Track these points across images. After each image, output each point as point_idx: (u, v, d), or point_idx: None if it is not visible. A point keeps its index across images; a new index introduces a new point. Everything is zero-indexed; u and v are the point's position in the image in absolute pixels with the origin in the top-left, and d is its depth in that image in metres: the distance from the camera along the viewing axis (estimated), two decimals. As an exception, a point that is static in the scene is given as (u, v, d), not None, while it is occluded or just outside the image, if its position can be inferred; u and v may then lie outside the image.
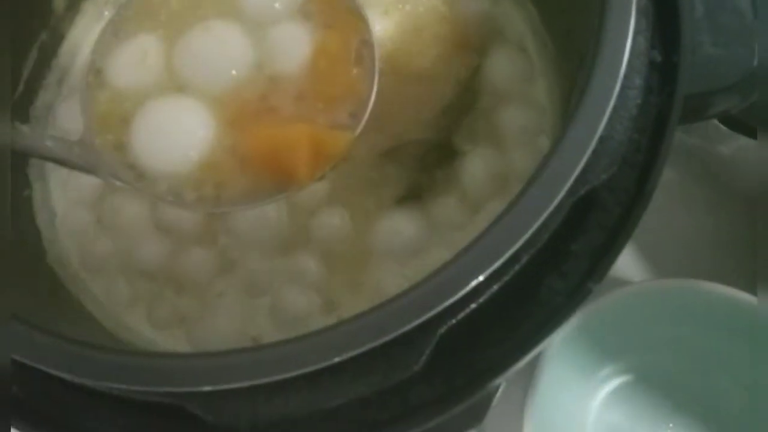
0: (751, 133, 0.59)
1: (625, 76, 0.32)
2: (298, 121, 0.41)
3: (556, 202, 0.29)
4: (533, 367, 0.51)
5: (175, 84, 0.42)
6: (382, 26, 0.48)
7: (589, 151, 0.30)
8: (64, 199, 0.48)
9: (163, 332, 0.44)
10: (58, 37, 0.51)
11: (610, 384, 0.55)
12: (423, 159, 0.46)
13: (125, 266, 0.45)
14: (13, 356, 0.30)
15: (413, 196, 0.46)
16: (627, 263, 0.61)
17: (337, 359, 0.28)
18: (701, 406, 0.54)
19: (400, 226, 0.45)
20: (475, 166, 0.45)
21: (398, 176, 0.46)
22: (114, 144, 0.41)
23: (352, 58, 0.42)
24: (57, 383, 0.31)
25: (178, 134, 0.41)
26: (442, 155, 0.46)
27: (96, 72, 0.43)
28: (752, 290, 0.52)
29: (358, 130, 0.41)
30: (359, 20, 0.43)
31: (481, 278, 0.28)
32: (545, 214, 0.29)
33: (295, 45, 0.42)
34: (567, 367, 0.52)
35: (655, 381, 0.55)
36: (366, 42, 0.42)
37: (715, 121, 0.60)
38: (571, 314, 0.32)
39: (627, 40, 0.32)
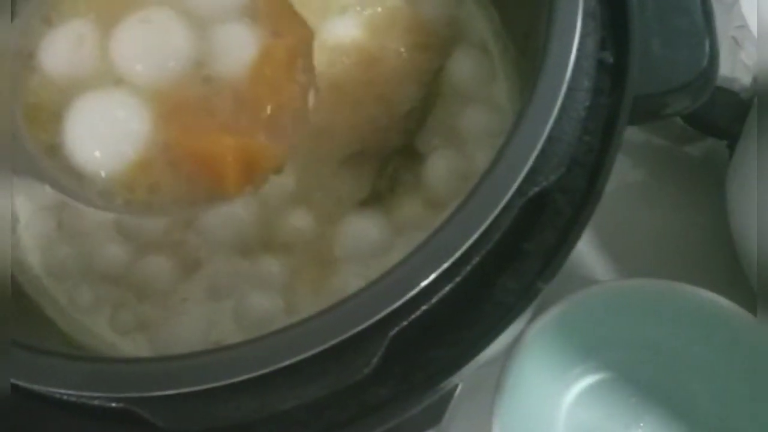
0: (718, 134, 0.60)
1: (573, 79, 0.33)
2: (234, 128, 0.40)
3: (502, 204, 0.30)
4: (501, 367, 0.51)
5: (111, 75, 0.41)
6: (343, 29, 0.48)
7: (534, 154, 0.30)
8: (29, 204, 0.48)
9: (125, 337, 0.43)
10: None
11: (580, 383, 0.55)
12: (386, 161, 0.46)
13: (88, 272, 0.45)
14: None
15: (377, 198, 0.46)
16: (596, 264, 0.61)
17: (281, 364, 0.28)
18: (672, 405, 0.54)
19: (364, 228, 0.45)
20: (438, 167, 0.46)
21: (362, 179, 0.46)
22: (47, 145, 0.40)
23: (297, 68, 0.41)
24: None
25: (111, 128, 0.40)
26: (405, 157, 0.47)
27: (27, 57, 0.41)
28: (718, 288, 0.52)
29: (296, 142, 0.40)
30: (305, 29, 0.42)
31: (426, 282, 0.29)
32: (491, 217, 0.30)
33: (240, 47, 0.41)
34: (536, 367, 0.53)
35: (626, 380, 0.55)
36: (309, 53, 0.41)
37: (682, 122, 0.61)
38: (521, 313, 0.32)
39: (573, 44, 0.32)
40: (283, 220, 0.45)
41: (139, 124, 0.40)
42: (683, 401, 0.54)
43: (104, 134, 0.40)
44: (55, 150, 0.40)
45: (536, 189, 0.32)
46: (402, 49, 0.48)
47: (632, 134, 0.65)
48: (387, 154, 0.47)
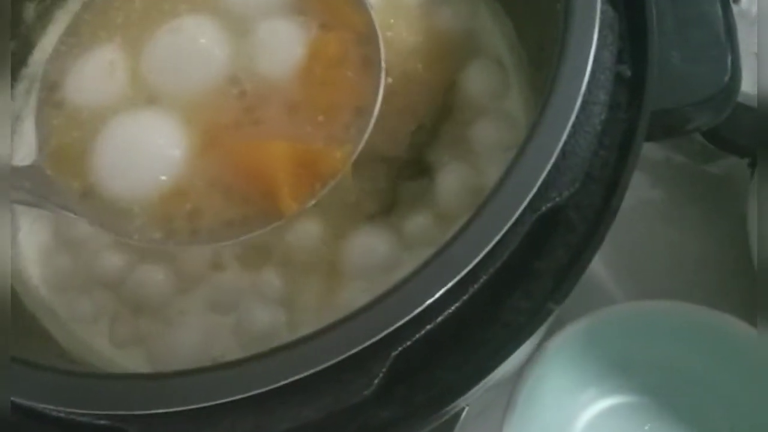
0: (739, 152, 0.58)
1: (589, 91, 0.31)
2: (286, 136, 0.36)
3: (511, 220, 0.29)
4: (512, 388, 0.50)
5: (142, 95, 0.38)
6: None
7: (547, 168, 0.29)
8: (30, 213, 0.46)
9: (122, 351, 0.42)
10: (28, 46, 0.50)
11: (594, 406, 0.54)
12: (396, 175, 0.45)
13: (85, 282, 0.44)
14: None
15: (386, 212, 0.45)
16: (613, 283, 0.61)
17: (276, 384, 0.26)
18: (686, 428, 0.53)
19: (372, 243, 0.44)
20: (449, 181, 0.44)
21: (371, 192, 0.45)
22: (80, 191, 0.37)
23: (354, 61, 0.37)
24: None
25: (146, 155, 0.37)
26: (416, 171, 0.45)
27: (51, 88, 0.38)
28: (738, 312, 0.51)
29: (361, 145, 0.36)
30: (360, 13, 0.38)
31: (431, 300, 0.28)
32: (500, 233, 0.29)
33: (285, 45, 0.38)
34: (548, 388, 0.52)
35: (641, 404, 0.54)
36: (369, 39, 0.37)
37: (702, 140, 0.59)
38: (531, 335, 0.31)
39: (589, 55, 0.31)
40: (288, 233, 0.44)
41: (171, 145, 0.37)
42: (699, 424, 0.53)
43: (131, 160, 0.37)
44: (89, 192, 0.37)
45: (549, 205, 0.31)
46: (417, 62, 0.47)
47: (651, 152, 0.64)
48: (397, 168, 0.45)
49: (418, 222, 0.44)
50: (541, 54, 0.42)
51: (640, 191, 0.63)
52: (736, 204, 0.59)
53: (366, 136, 0.37)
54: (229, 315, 0.43)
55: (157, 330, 0.42)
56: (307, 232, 0.43)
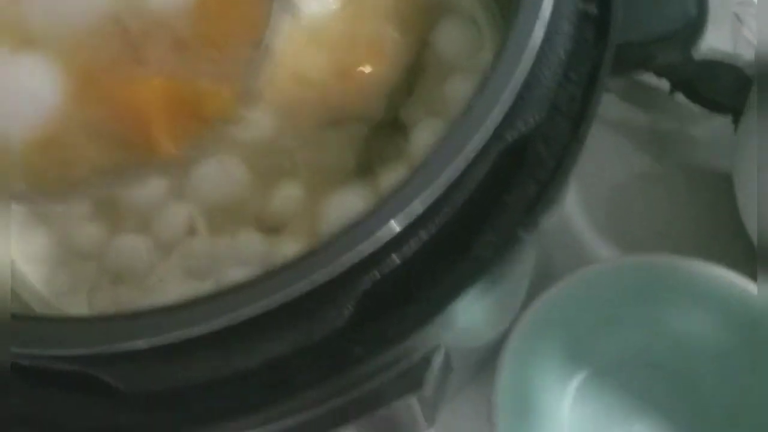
0: (722, 110, 0.58)
1: (552, 22, 0.31)
2: (171, 76, 0.34)
3: (475, 144, 0.28)
4: (500, 353, 0.49)
5: (15, 37, 0.35)
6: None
7: (510, 90, 0.29)
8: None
9: (102, 319, 0.42)
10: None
11: (583, 371, 0.53)
12: (371, 135, 0.45)
13: (64, 255, 0.43)
14: None
15: (363, 171, 0.44)
16: (605, 250, 0.60)
17: (244, 318, 0.26)
18: (680, 388, 0.53)
19: (350, 202, 0.43)
20: (425, 137, 0.44)
21: (347, 153, 0.45)
22: None
23: None
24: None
25: (12, 101, 0.34)
26: (391, 128, 0.45)
27: None
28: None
29: (257, 82, 0.34)
30: None
31: (396, 226, 0.27)
32: (465, 159, 0.28)
33: None
34: (534, 356, 0.51)
35: (632, 365, 0.53)
36: None
37: (688, 102, 0.59)
38: (499, 264, 0.30)
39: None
40: (266, 194, 0.44)
41: (41, 89, 0.34)
42: (692, 383, 0.52)
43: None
44: None
45: (514, 134, 0.31)
46: (388, 23, 0.47)
47: (636, 117, 0.64)
48: (372, 129, 0.45)
49: (394, 179, 0.43)
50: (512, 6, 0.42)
51: (626, 156, 0.63)
52: (723, 164, 0.59)
53: (263, 73, 0.34)
54: (207, 280, 0.42)
55: (136, 298, 0.42)
56: (283, 193, 0.43)
